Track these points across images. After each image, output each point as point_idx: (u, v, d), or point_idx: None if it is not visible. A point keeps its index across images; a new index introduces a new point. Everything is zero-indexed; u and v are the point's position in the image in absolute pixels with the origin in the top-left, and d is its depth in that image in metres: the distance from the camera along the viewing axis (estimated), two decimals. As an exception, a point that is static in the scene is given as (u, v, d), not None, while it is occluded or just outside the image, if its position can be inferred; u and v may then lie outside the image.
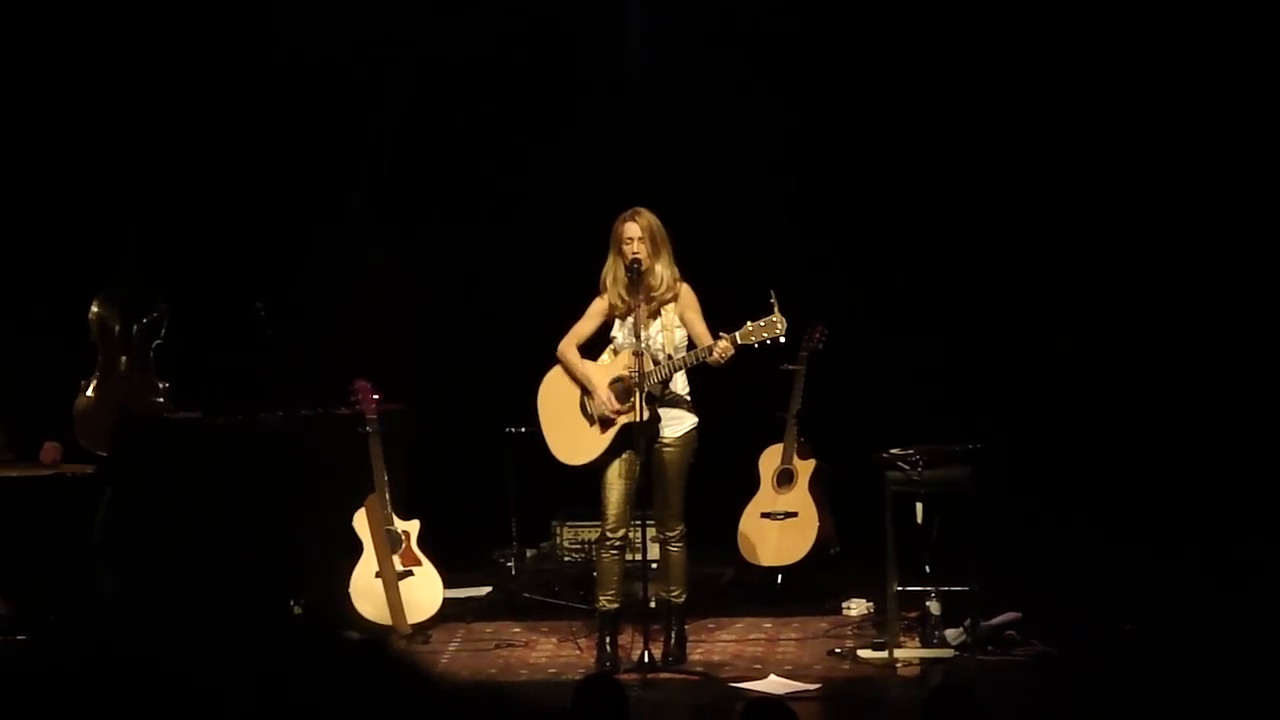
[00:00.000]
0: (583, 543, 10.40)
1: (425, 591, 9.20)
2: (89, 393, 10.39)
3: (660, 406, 8.40)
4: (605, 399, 8.43)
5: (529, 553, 10.60)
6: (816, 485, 10.02)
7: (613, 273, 8.44)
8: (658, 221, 8.39)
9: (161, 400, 10.40)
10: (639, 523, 8.60)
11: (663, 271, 8.37)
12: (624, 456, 8.45)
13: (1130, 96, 10.79)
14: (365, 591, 9.15)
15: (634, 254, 8.32)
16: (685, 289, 8.42)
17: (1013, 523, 9.71)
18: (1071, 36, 10.82)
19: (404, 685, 1.79)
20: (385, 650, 1.76)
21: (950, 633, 8.60)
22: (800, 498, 9.99)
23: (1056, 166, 10.95)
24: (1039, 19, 10.86)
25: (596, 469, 8.51)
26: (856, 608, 9.52)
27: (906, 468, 8.63)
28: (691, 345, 8.35)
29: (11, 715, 1.70)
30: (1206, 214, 10.76)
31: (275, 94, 11.13)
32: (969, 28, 10.92)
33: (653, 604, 8.57)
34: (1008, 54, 10.88)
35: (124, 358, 10.51)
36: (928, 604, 8.60)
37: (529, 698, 7.78)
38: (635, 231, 8.34)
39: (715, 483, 8.95)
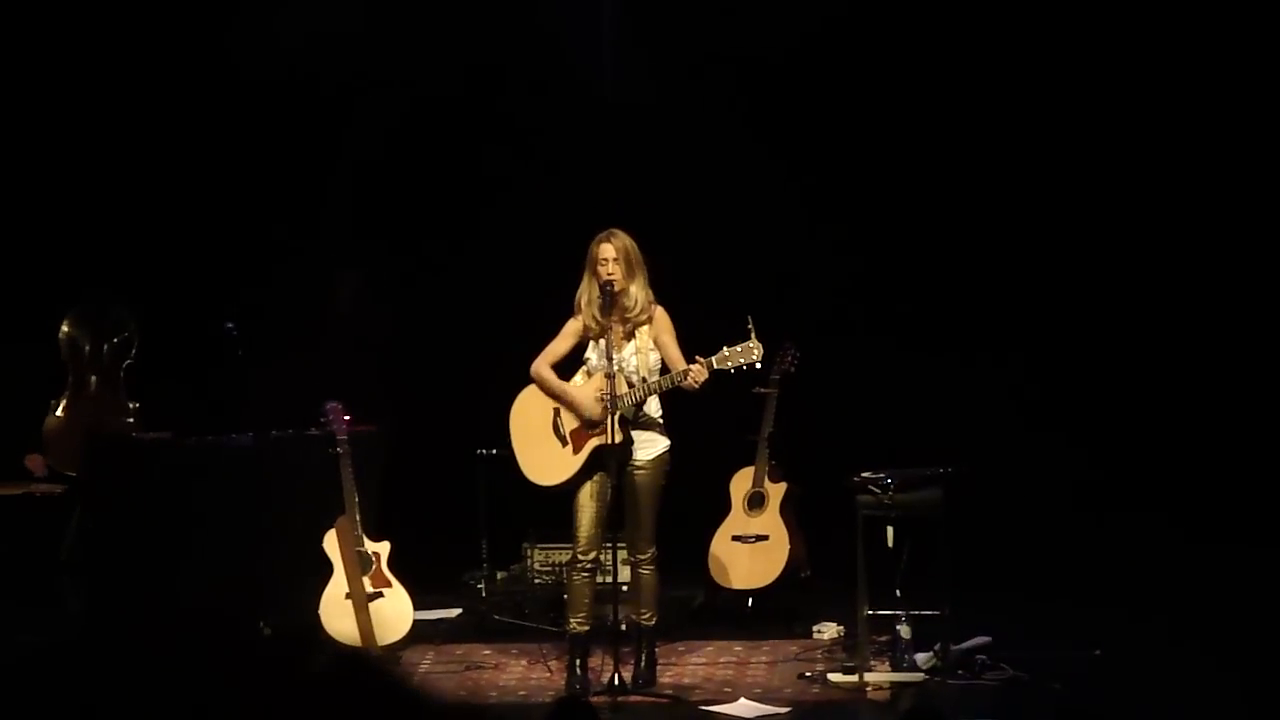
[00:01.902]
0: (553, 565, 10.39)
1: (395, 613, 9.17)
2: (58, 412, 10.35)
3: (633, 429, 8.39)
4: (590, 403, 8.37)
5: (499, 574, 10.58)
6: (788, 508, 10.02)
7: (587, 294, 8.43)
8: (633, 243, 8.39)
9: (131, 420, 10.37)
10: (610, 545, 8.59)
11: (637, 293, 8.37)
12: (596, 478, 8.45)
13: (1116, 95, 10.85)
14: (335, 612, 9.12)
15: (608, 275, 8.32)
16: (660, 312, 8.42)
17: (984, 546, 9.73)
18: (1052, 48, 10.86)
19: (388, 702, 1.78)
20: (366, 667, 1.74)
21: (920, 657, 8.60)
22: (771, 521, 9.99)
23: (1026, 189, 10.99)
24: (1017, 37, 10.89)
25: (568, 490, 8.50)
26: (827, 631, 9.52)
27: (878, 491, 8.64)
28: (666, 369, 8.34)
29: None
30: (1195, 213, 10.84)
31: (249, 114, 11.12)
32: (944, 48, 10.95)
33: (623, 627, 8.55)
34: (981, 70, 10.92)
35: (94, 378, 10.48)
36: (898, 628, 8.60)
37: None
38: (610, 253, 8.34)
39: (686, 505, 8.95)
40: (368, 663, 1.79)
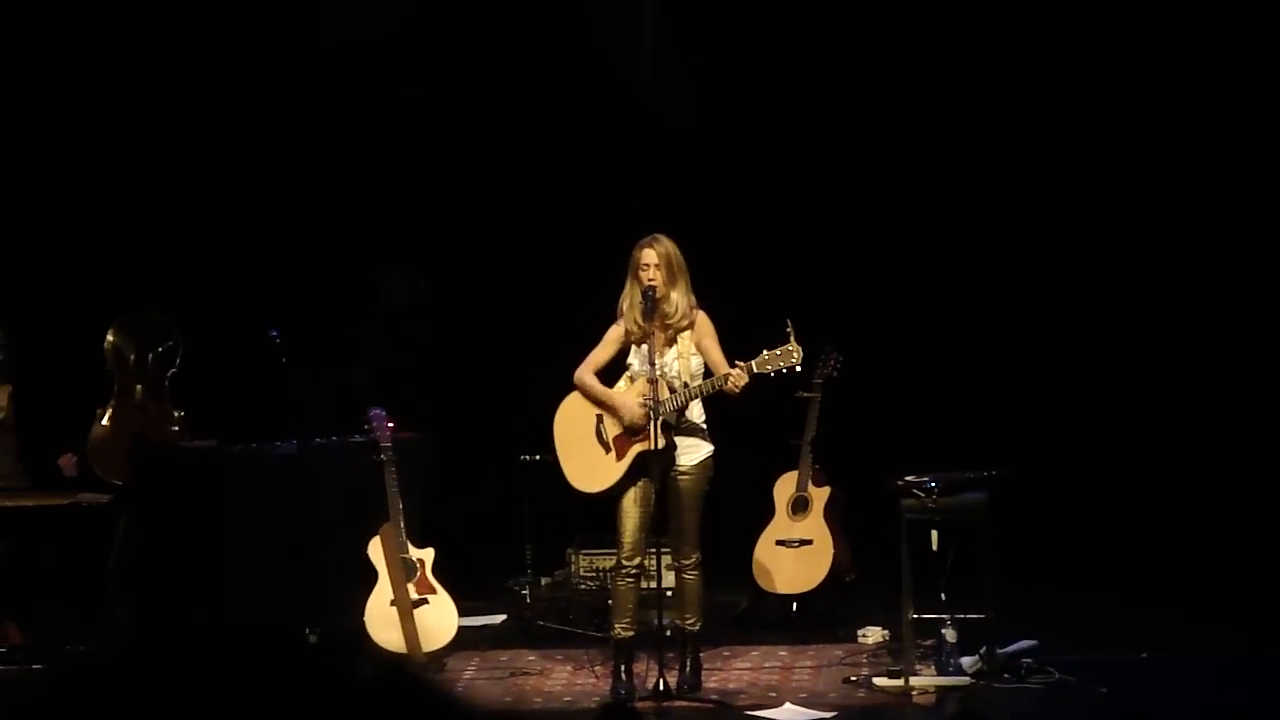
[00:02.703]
0: (598, 570, 10.39)
1: (440, 619, 9.19)
2: (104, 422, 10.40)
3: (676, 434, 8.39)
4: (633, 406, 8.37)
5: (544, 580, 10.59)
6: (831, 513, 10.01)
7: (630, 298, 8.43)
8: (676, 249, 8.38)
9: (177, 429, 10.41)
10: (654, 550, 8.59)
11: (679, 299, 8.36)
12: (639, 484, 8.45)
13: (1145, 100, 10.84)
14: (380, 620, 9.14)
15: (650, 280, 8.31)
16: (702, 316, 8.42)
17: (1029, 550, 9.71)
18: (1097, 51, 10.86)
19: (431, 711, 1.78)
20: (409, 675, 1.74)
21: (966, 660, 8.58)
22: (815, 525, 9.98)
23: (1074, 193, 10.98)
24: (1059, 43, 10.89)
25: (612, 496, 8.51)
26: (872, 635, 9.50)
27: (922, 495, 8.61)
28: (708, 373, 8.34)
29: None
30: (1236, 209, 10.82)
31: (291, 123, 11.17)
32: (984, 45, 10.95)
33: (668, 632, 8.56)
34: (1018, 71, 10.91)
35: (139, 387, 10.52)
36: (943, 631, 8.57)
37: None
38: (652, 258, 8.34)
39: (730, 510, 8.94)
40: (411, 671, 1.79)
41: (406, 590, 9.16)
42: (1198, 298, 10.91)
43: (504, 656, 9.49)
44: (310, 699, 1.78)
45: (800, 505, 10.02)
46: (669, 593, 8.72)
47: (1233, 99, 10.80)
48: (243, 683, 1.78)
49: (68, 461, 9.61)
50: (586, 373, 8.56)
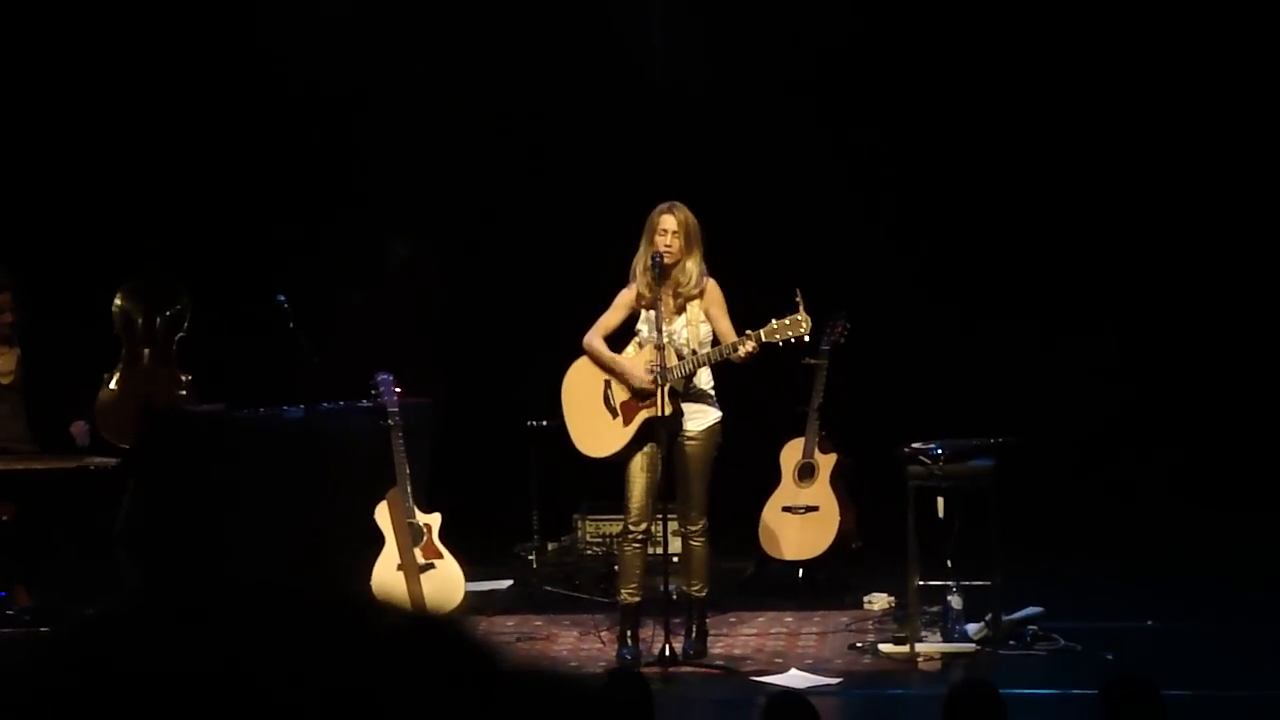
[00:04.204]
0: (604, 536, 10.41)
1: (447, 584, 9.20)
2: (112, 385, 10.42)
3: (684, 400, 8.39)
4: (641, 372, 8.37)
5: (550, 546, 10.61)
6: (838, 479, 10.01)
7: (643, 261, 8.41)
8: (693, 218, 8.37)
9: (184, 393, 10.42)
10: (661, 516, 8.61)
11: (692, 268, 8.35)
12: (646, 450, 8.45)
13: (1186, 69, 10.82)
14: (387, 584, 9.16)
15: (666, 246, 8.29)
16: (711, 284, 8.41)
17: (1035, 517, 9.72)
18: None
19: (472, 663, 1.77)
20: (443, 624, 1.73)
21: (972, 627, 8.59)
22: (822, 492, 9.98)
23: (1073, 156, 10.95)
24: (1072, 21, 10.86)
25: (619, 462, 8.52)
26: (878, 602, 9.52)
27: (928, 462, 8.62)
28: (716, 341, 8.34)
29: (38, 708, 1.70)
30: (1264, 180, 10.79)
31: (298, 88, 11.15)
32: (998, 7, 10.92)
33: (674, 597, 8.57)
34: (1007, 49, 10.89)
35: (147, 350, 10.53)
36: (949, 598, 8.58)
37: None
38: (671, 224, 8.31)
39: (737, 476, 8.95)
40: (442, 620, 1.79)
41: (413, 555, 9.17)
42: (1207, 263, 10.89)
43: (510, 622, 9.51)
44: (330, 652, 1.78)
45: (807, 472, 10.02)
46: (675, 558, 8.74)
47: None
48: (255, 641, 1.78)
49: (80, 429, 9.61)
50: (595, 338, 8.56)
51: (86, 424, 9.66)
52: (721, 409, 8.49)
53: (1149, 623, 8.85)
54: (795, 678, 8.19)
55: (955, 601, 8.56)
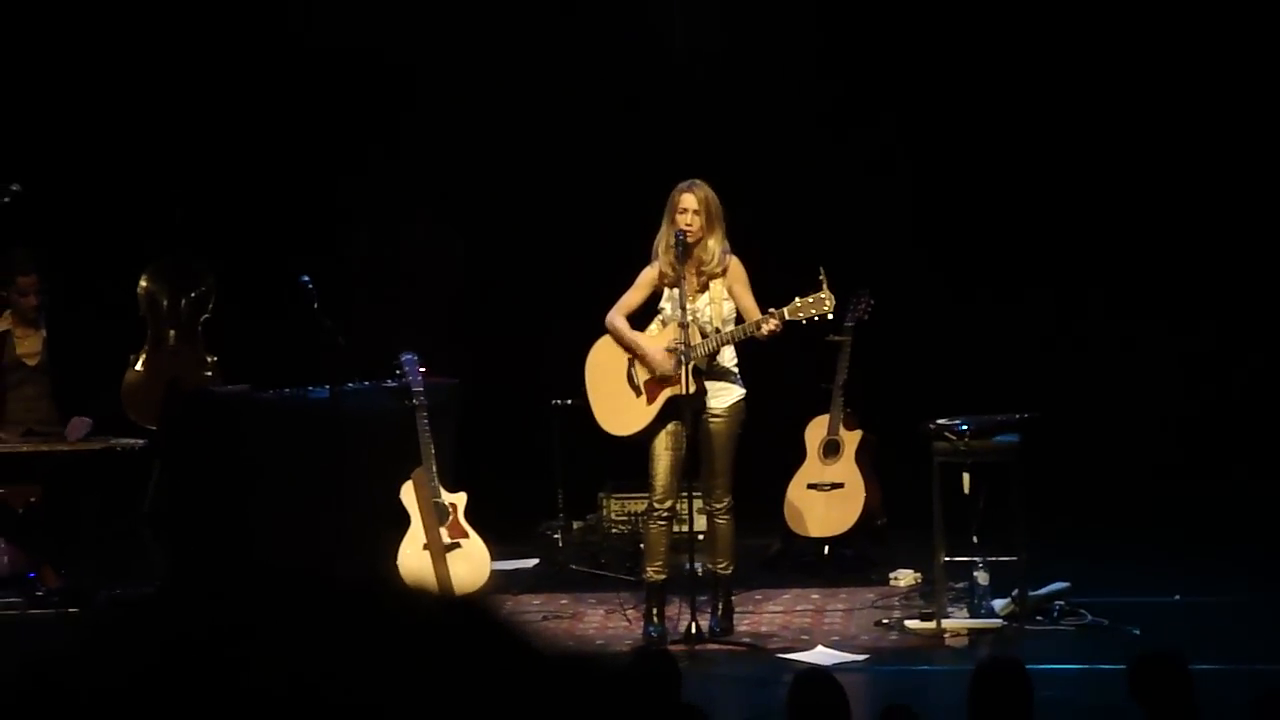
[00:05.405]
0: (629, 514, 10.41)
1: (472, 564, 9.21)
2: (138, 367, 10.44)
3: (707, 379, 8.39)
4: (661, 358, 8.38)
5: (576, 524, 10.62)
6: (863, 456, 10.00)
7: (665, 239, 8.40)
8: (715, 196, 8.36)
9: (210, 374, 10.44)
10: (686, 494, 8.61)
11: (714, 247, 8.34)
12: (670, 428, 8.45)
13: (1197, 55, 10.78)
14: (413, 564, 9.17)
15: (687, 225, 8.29)
16: (734, 262, 8.40)
17: (1061, 492, 9.71)
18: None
19: (504, 644, 1.76)
20: (480, 609, 1.72)
21: (998, 603, 8.58)
22: (847, 468, 9.97)
23: (1107, 132, 10.92)
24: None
25: (643, 440, 8.52)
26: (904, 578, 9.51)
27: (953, 438, 8.61)
28: (740, 319, 8.33)
29: (70, 689, 1.70)
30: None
31: (324, 67, 11.15)
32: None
33: (700, 575, 8.57)
34: (1040, 20, 10.85)
35: (172, 332, 10.55)
36: (975, 574, 8.57)
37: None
38: (692, 203, 8.31)
39: (762, 454, 8.95)
40: (480, 605, 1.78)
41: (439, 534, 9.18)
42: (1230, 236, 10.85)
43: (536, 600, 9.53)
44: (362, 638, 1.78)
45: (832, 449, 10.01)
46: (700, 536, 8.74)
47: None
48: (285, 624, 1.78)
49: (76, 425, 9.58)
50: (618, 316, 8.56)
51: (89, 421, 9.59)
52: (746, 386, 8.49)
53: (1176, 597, 8.84)
54: (821, 654, 8.20)
55: (981, 577, 8.55)
